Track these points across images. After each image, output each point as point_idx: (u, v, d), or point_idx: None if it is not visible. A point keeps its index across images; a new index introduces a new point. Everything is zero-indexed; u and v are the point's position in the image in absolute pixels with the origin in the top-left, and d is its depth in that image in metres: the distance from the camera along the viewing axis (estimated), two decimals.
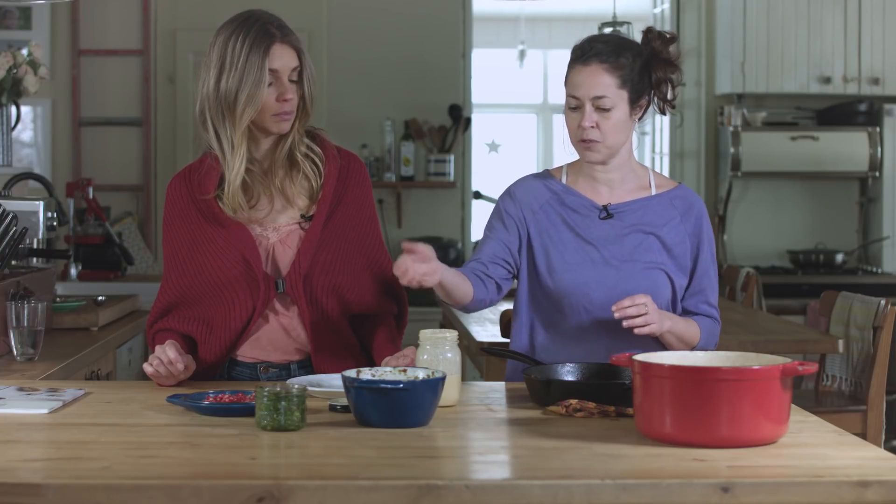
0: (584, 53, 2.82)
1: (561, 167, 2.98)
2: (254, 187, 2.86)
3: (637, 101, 2.83)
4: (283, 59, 2.78)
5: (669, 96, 2.87)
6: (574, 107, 2.84)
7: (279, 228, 2.86)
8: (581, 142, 2.84)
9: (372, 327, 2.93)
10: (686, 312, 2.91)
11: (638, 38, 2.91)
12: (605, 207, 2.89)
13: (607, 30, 5.71)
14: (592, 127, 2.80)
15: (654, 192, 2.91)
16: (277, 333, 2.87)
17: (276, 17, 2.83)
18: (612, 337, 2.82)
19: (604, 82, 2.79)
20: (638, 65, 2.82)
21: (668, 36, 2.86)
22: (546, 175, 2.98)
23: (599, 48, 2.81)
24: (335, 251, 2.86)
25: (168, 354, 2.69)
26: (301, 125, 2.86)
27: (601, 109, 2.80)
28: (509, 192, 2.96)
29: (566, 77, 2.87)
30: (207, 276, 2.84)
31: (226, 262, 2.83)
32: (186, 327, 2.88)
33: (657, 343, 2.83)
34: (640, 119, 2.89)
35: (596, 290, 2.83)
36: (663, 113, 2.92)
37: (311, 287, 2.83)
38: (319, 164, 2.88)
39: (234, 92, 2.76)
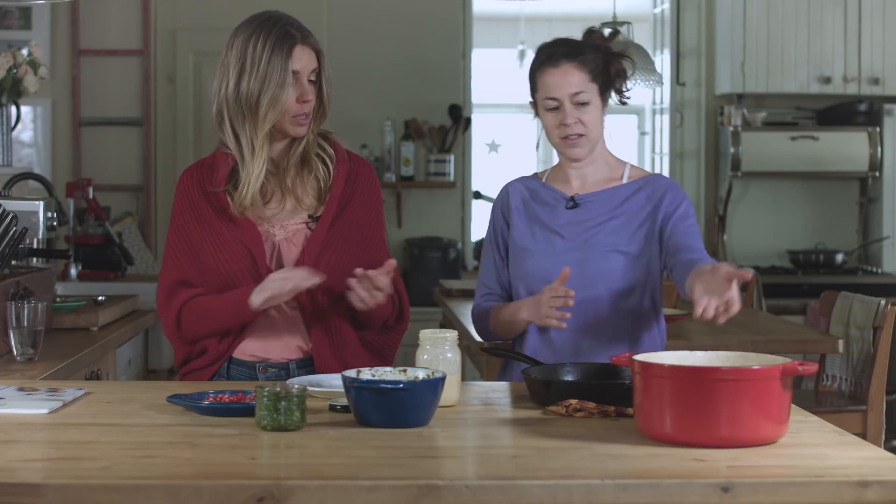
0: (551, 56, 2.93)
1: (546, 170, 3.11)
2: (267, 185, 2.88)
3: (605, 93, 2.95)
4: (303, 60, 2.79)
5: (624, 88, 2.98)
6: (552, 108, 2.92)
7: (286, 226, 2.88)
8: (564, 139, 2.93)
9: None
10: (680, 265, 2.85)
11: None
12: (572, 198, 2.99)
13: (607, 30, 5.70)
14: (575, 122, 2.90)
15: (624, 181, 3.00)
16: (279, 330, 2.88)
17: (294, 19, 2.84)
18: (577, 321, 2.88)
19: (577, 78, 2.90)
20: (600, 59, 2.93)
21: (608, 32, 2.99)
22: (530, 176, 3.10)
23: (564, 49, 2.93)
24: (339, 252, 2.87)
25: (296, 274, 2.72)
26: (317, 126, 2.88)
27: (580, 104, 2.90)
28: (495, 201, 3.10)
29: (536, 82, 2.96)
30: (213, 268, 2.86)
31: (231, 255, 2.84)
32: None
33: (619, 322, 2.90)
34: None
35: (557, 275, 2.85)
36: (623, 103, 3.03)
37: (314, 288, 2.83)
38: (330, 165, 2.90)
39: (256, 94, 2.76)
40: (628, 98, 3.02)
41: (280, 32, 2.77)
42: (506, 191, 3.08)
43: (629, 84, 2.99)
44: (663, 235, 2.93)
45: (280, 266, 2.86)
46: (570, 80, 2.90)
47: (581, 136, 2.92)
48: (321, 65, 2.84)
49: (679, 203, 2.95)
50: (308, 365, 2.89)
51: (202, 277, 2.87)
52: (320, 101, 2.86)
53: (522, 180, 3.09)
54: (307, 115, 2.83)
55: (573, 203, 2.98)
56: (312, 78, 2.82)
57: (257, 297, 2.75)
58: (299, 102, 2.80)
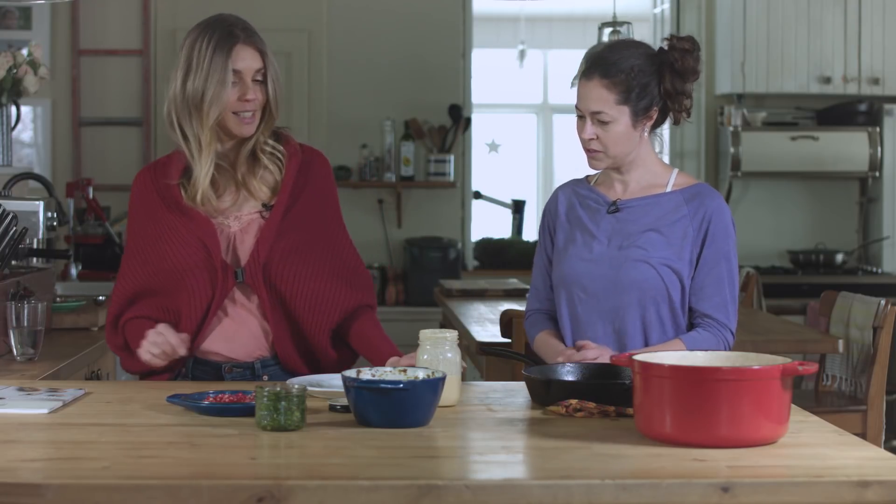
0: (589, 66, 2.87)
1: (598, 173, 3.05)
2: (220, 179, 2.91)
3: (645, 113, 2.87)
4: (245, 60, 2.84)
5: (680, 108, 2.92)
6: (580, 116, 2.90)
7: (241, 217, 2.91)
8: (585, 149, 2.92)
9: (358, 328, 2.94)
10: (690, 313, 2.92)
11: (648, 41, 2.93)
12: (614, 202, 2.94)
13: (607, 30, 5.70)
14: (592, 139, 2.87)
15: (668, 189, 2.94)
16: (241, 329, 2.90)
17: (242, 20, 2.90)
18: (607, 326, 2.88)
19: (602, 98, 2.84)
20: (644, 79, 2.85)
21: (686, 47, 2.87)
22: (582, 179, 3.08)
23: (602, 62, 2.85)
24: (294, 241, 2.90)
25: (170, 340, 2.74)
26: (267, 128, 2.91)
27: (601, 122, 2.85)
28: (546, 205, 3.08)
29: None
30: (169, 264, 2.88)
31: (186, 249, 2.87)
32: (156, 315, 2.91)
33: (653, 329, 2.88)
34: (654, 127, 2.93)
35: (589, 280, 2.89)
36: (676, 123, 2.96)
37: (270, 276, 2.87)
38: (281, 163, 2.93)
39: (200, 92, 2.82)
40: (688, 117, 2.95)
41: (223, 33, 2.84)
42: (555, 196, 3.06)
43: (686, 104, 2.91)
44: (695, 266, 2.90)
45: (236, 258, 2.88)
46: (595, 97, 2.84)
47: (598, 151, 2.88)
48: (266, 65, 2.87)
49: (721, 229, 2.92)
50: (273, 364, 2.91)
51: (157, 279, 2.89)
52: (269, 103, 2.88)
53: (573, 184, 3.06)
54: (252, 114, 2.86)
55: (615, 207, 2.94)
56: (258, 78, 2.86)
57: (143, 355, 2.78)
58: (241, 101, 2.83)
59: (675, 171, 2.99)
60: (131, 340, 2.88)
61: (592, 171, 3.03)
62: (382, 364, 2.79)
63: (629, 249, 2.88)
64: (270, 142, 2.92)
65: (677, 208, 2.91)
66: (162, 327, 2.78)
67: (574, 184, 3.07)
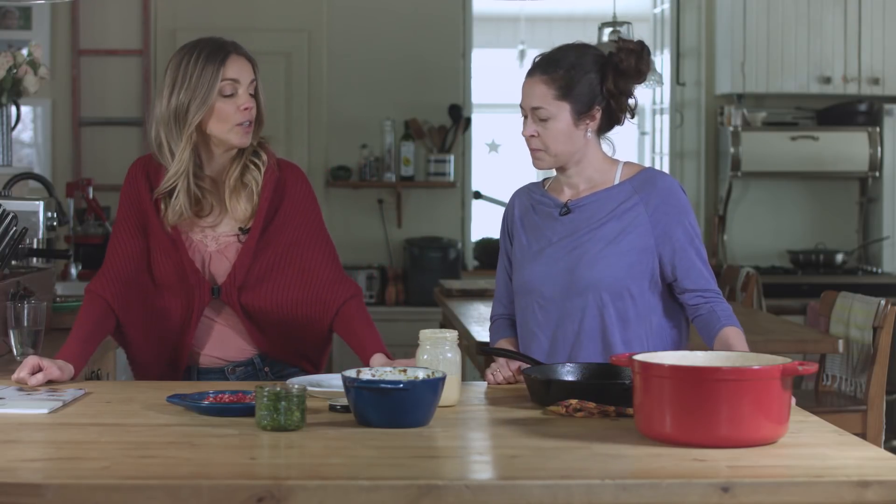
0: (532, 65, 2.90)
1: (550, 177, 3.04)
2: (205, 201, 2.92)
3: (587, 111, 2.85)
4: (241, 70, 2.85)
5: (621, 108, 2.88)
6: (524, 116, 2.92)
7: (218, 238, 2.95)
8: (529, 150, 2.92)
9: (343, 317, 2.94)
10: (693, 307, 2.87)
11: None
12: (565, 204, 2.93)
13: (607, 30, 5.71)
14: (533, 136, 2.87)
15: (616, 182, 2.91)
16: (230, 332, 2.96)
17: (230, 40, 2.91)
18: (568, 329, 2.86)
19: (542, 94, 2.85)
20: (584, 76, 2.83)
21: (631, 47, 2.85)
22: (535, 184, 3.06)
23: (544, 61, 2.87)
24: (269, 260, 2.93)
25: (34, 378, 2.71)
26: (255, 136, 2.93)
27: (541, 119, 2.85)
28: (504, 210, 3.06)
29: None
30: (149, 264, 2.93)
31: (165, 261, 2.92)
32: (128, 313, 2.93)
33: (614, 327, 2.85)
34: (602, 131, 2.90)
35: (546, 285, 2.87)
36: (619, 123, 2.93)
37: (246, 296, 2.92)
38: (260, 171, 2.93)
39: (186, 103, 2.82)
40: (631, 119, 2.92)
41: (214, 46, 2.85)
42: (511, 201, 3.05)
43: (630, 103, 2.88)
44: (663, 259, 2.85)
45: (212, 276, 2.93)
46: (532, 93, 2.86)
47: (539, 150, 2.88)
48: (257, 77, 2.89)
49: (677, 223, 2.85)
50: (269, 356, 2.98)
51: (138, 275, 2.93)
52: (258, 111, 2.91)
53: (528, 189, 3.05)
54: (251, 123, 2.87)
55: (566, 209, 2.92)
56: (251, 91, 2.87)
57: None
58: (240, 111, 2.84)
59: (622, 163, 2.95)
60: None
61: (549, 175, 3.02)
62: (364, 354, 2.83)
63: (585, 247, 2.86)
64: (259, 151, 2.94)
65: (629, 198, 2.88)
66: (29, 363, 2.74)
67: (530, 188, 3.05)
